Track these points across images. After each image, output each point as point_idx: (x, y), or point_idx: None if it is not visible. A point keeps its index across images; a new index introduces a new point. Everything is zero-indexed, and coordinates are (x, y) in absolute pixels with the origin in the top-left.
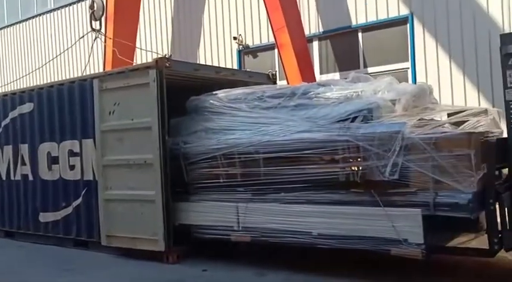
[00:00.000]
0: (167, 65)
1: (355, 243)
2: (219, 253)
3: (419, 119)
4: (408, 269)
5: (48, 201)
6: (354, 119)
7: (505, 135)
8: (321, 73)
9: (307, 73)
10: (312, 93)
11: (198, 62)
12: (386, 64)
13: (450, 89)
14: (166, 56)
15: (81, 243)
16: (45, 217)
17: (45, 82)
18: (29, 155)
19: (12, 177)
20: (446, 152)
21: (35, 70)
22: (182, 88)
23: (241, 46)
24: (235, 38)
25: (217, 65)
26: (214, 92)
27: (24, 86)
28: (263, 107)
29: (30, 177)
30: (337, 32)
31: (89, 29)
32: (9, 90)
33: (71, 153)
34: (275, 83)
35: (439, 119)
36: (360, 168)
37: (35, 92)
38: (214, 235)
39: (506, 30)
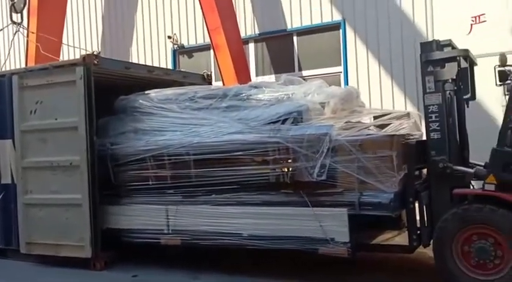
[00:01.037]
0: (95, 62)
1: (285, 243)
2: (150, 258)
3: (346, 122)
4: (336, 266)
5: None
6: (284, 121)
7: (424, 137)
8: (256, 75)
9: (243, 75)
10: (243, 94)
11: (130, 61)
12: (320, 68)
13: (379, 93)
14: (95, 53)
15: None
16: None
17: None
18: None
19: None
20: (370, 154)
21: None
22: (113, 87)
23: (176, 46)
24: (169, 37)
25: (151, 65)
26: (144, 92)
27: None
28: (194, 108)
29: None
30: (272, 34)
31: (9, 21)
32: None
33: None
34: (210, 83)
35: (365, 122)
36: (290, 169)
37: None
38: (143, 239)
39: (430, 38)
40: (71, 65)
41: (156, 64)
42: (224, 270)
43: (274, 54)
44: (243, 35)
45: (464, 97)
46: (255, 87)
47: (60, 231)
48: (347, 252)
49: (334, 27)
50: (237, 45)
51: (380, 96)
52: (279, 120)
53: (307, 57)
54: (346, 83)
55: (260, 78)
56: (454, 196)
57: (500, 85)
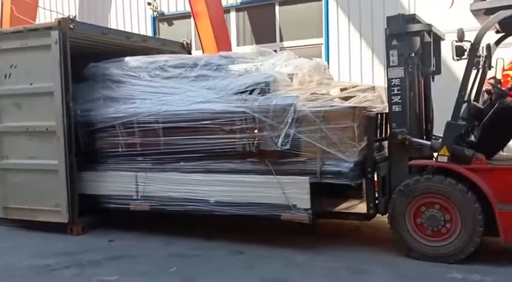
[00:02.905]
0: (71, 26)
1: (250, 209)
2: (127, 224)
3: (311, 93)
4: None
5: None
6: (252, 92)
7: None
8: (238, 45)
9: (223, 44)
10: (213, 64)
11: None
12: (302, 39)
13: (360, 65)
14: (71, 17)
15: None
16: None
17: None
18: None
19: None
20: (333, 124)
21: None
22: (90, 53)
23: (156, 13)
24: (149, 4)
25: (131, 31)
26: (114, 59)
27: None
28: (164, 77)
29: None
30: (254, 3)
31: None
32: None
33: None
34: (190, 52)
35: (331, 94)
36: (256, 138)
37: None
38: (115, 205)
39: (412, 12)
40: (46, 28)
41: (135, 31)
42: (196, 236)
43: (256, 24)
44: (224, 3)
45: (430, 71)
46: (225, 57)
47: (36, 196)
48: (308, 218)
49: None
50: (218, 14)
51: (360, 69)
52: (247, 91)
53: (288, 28)
54: (327, 54)
55: (241, 49)
56: (411, 167)
57: (457, 60)
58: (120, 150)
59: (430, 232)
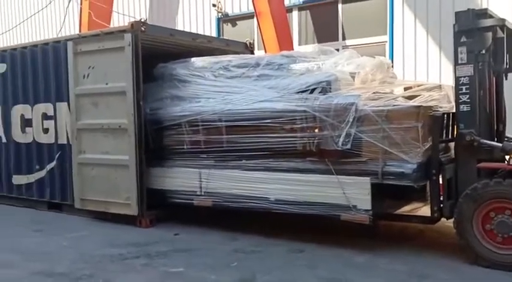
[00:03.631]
0: (142, 29)
1: (309, 209)
2: (193, 218)
3: (374, 92)
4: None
5: (22, 164)
6: (313, 91)
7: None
8: (299, 44)
9: (285, 43)
10: (275, 64)
11: (176, 29)
12: (365, 37)
13: (426, 64)
14: (142, 20)
15: (55, 206)
16: (17, 180)
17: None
18: (2, 117)
19: None
20: (396, 124)
21: (9, 30)
22: (159, 54)
23: (220, 14)
24: (214, 5)
25: (196, 32)
26: (181, 60)
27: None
28: (228, 76)
29: (4, 140)
30: (317, 2)
31: None
32: None
33: (45, 117)
34: (252, 52)
35: (394, 93)
36: (316, 138)
37: (8, 53)
38: (179, 199)
39: (484, 6)
40: (120, 31)
41: (200, 32)
42: (259, 233)
43: (318, 23)
44: (286, 2)
45: (503, 69)
46: (287, 56)
47: (109, 189)
48: (368, 220)
49: None
50: (280, 13)
51: (427, 67)
52: (308, 90)
53: (351, 26)
54: (391, 52)
55: (303, 48)
56: (480, 170)
57: None
58: (185, 147)
59: (500, 239)
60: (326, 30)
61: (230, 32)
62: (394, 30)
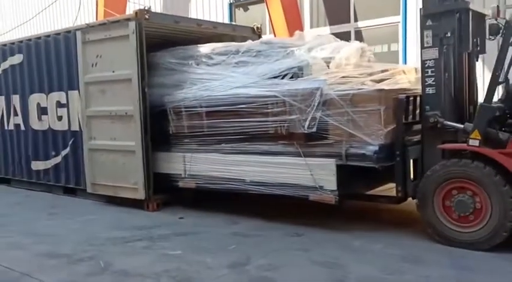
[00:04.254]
0: (146, 17)
1: (280, 190)
2: (198, 202)
3: (343, 77)
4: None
5: (39, 150)
6: (284, 76)
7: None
8: (311, 27)
9: (294, 26)
10: (253, 50)
11: (189, 16)
12: (377, 18)
13: None
14: (146, 8)
15: (70, 191)
16: (36, 165)
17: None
18: (20, 106)
19: (6, 127)
20: (360, 108)
21: (27, 21)
22: (166, 42)
23: None
24: None
25: (209, 19)
26: (169, 49)
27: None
28: (209, 64)
29: (22, 127)
30: None
31: None
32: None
33: (59, 104)
34: (260, 36)
35: (364, 77)
36: (286, 121)
37: (24, 44)
38: (169, 182)
39: None
40: (125, 20)
41: (213, 18)
42: (259, 217)
43: (330, 5)
44: None
45: (475, 51)
46: (266, 43)
47: (118, 174)
48: (334, 200)
49: None
50: None
51: None
52: (281, 75)
53: (363, 7)
54: (404, 33)
55: (314, 31)
56: (444, 151)
57: (492, 39)
58: (170, 132)
59: (458, 217)
60: (338, 13)
61: (242, 17)
62: (407, 10)
